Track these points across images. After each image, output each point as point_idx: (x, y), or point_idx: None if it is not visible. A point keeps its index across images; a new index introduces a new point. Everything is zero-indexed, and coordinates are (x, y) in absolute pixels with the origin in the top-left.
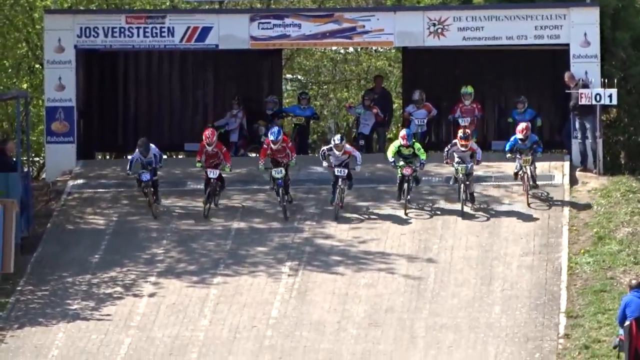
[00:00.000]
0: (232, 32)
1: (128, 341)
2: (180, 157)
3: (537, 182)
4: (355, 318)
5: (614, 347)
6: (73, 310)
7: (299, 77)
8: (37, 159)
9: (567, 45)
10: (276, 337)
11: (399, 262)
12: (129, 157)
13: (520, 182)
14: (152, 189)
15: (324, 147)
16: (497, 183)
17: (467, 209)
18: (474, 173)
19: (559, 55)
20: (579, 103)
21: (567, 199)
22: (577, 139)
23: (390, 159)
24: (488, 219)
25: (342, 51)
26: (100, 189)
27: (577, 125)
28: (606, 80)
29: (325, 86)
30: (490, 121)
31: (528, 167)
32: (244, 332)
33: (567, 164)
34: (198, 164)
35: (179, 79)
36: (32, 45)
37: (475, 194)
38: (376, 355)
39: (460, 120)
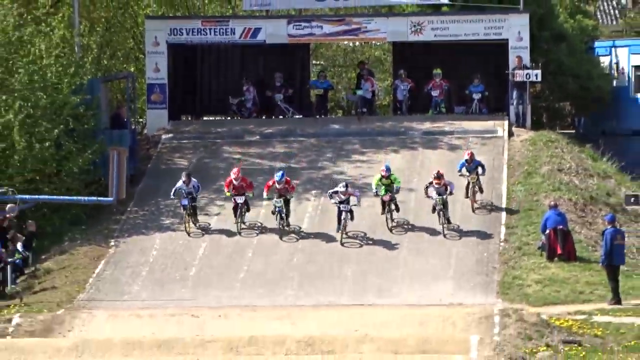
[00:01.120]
0: (275, 31)
1: (204, 245)
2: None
3: (482, 188)
4: (360, 228)
5: (538, 248)
6: (165, 224)
7: (321, 62)
8: (141, 120)
9: (507, 40)
10: (305, 242)
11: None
12: (177, 185)
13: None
14: (191, 211)
15: (330, 190)
16: (457, 136)
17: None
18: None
19: (500, 47)
20: (515, 80)
21: (506, 146)
22: (514, 105)
23: (374, 189)
24: (452, 158)
25: (350, 44)
26: (184, 140)
27: (514, 95)
28: (533, 64)
29: (340, 69)
30: (453, 92)
31: (475, 184)
32: (284, 238)
33: (506, 122)
34: (227, 194)
35: (239, 64)
36: (137, 41)
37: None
38: (374, 255)
39: (433, 93)
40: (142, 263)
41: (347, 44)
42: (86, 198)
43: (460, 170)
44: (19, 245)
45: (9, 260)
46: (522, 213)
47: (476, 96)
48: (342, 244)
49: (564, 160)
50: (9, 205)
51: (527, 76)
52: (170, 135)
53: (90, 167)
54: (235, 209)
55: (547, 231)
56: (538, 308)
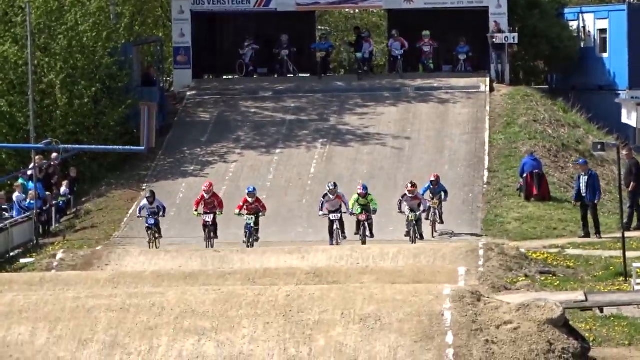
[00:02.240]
0: (285, 0)
1: (224, 188)
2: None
3: (442, 217)
4: (360, 172)
5: (517, 190)
6: (190, 171)
7: (326, 27)
8: (168, 78)
9: (487, 7)
10: (313, 185)
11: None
12: (141, 203)
13: None
14: (155, 230)
15: (321, 199)
16: (445, 91)
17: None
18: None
19: (482, 14)
20: (495, 42)
21: (487, 100)
22: (494, 64)
23: (350, 209)
24: (441, 111)
25: (351, 12)
26: (206, 96)
27: (493, 56)
28: (510, 28)
29: (342, 32)
30: (441, 53)
31: (437, 210)
32: (294, 182)
33: (487, 79)
34: (195, 213)
35: (254, 29)
36: (164, 10)
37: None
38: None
39: (424, 48)
40: (170, 204)
41: (348, 12)
42: (120, 147)
43: (423, 194)
44: (63, 189)
45: (54, 202)
46: (502, 159)
47: (462, 56)
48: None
49: (539, 112)
50: (53, 154)
51: (506, 39)
52: (194, 92)
53: (124, 120)
54: (204, 227)
55: (525, 175)
56: (517, 242)
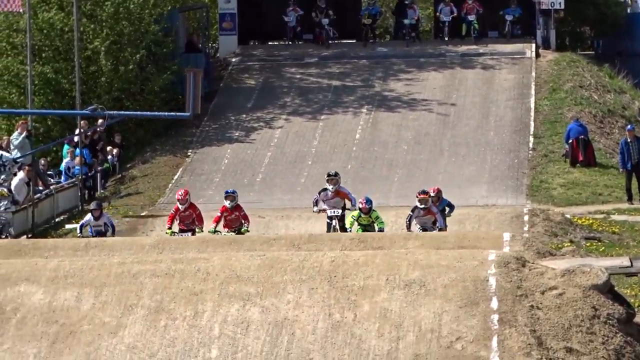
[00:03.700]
0: None
1: (269, 154)
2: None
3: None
4: (405, 138)
5: (562, 155)
6: (235, 137)
7: None
8: (214, 45)
9: None
10: (358, 151)
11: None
12: (84, 219)
13: None
14: None
15: (316, 195)
16: (491, 57)
17: None
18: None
19: None
20: (541, 7)
21: (533, 66)
22: (540, 29)
23: (348, 228)
24: (486, 77)
25: None
26: (251, 62)
27: (540, 21)
28: None
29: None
30: (487, 17)
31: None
32: (339, 148)
33: (533, 45)
34: (168, 232)
35: None
36: None
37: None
38: (419, 161)
39: (469, 17)
40: (215, 170)
41: None
42: (166, 113)
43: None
44: (108, 155)
45: (99, 168)
46: (547, 125)
47: (509, 17)
48: None
49: (585, 78)
50: (99, 121)
51: (552, 4)
52: (239, 58)
53: (169, 86)
54: None
55: (570, 140)
56: (562, 208)
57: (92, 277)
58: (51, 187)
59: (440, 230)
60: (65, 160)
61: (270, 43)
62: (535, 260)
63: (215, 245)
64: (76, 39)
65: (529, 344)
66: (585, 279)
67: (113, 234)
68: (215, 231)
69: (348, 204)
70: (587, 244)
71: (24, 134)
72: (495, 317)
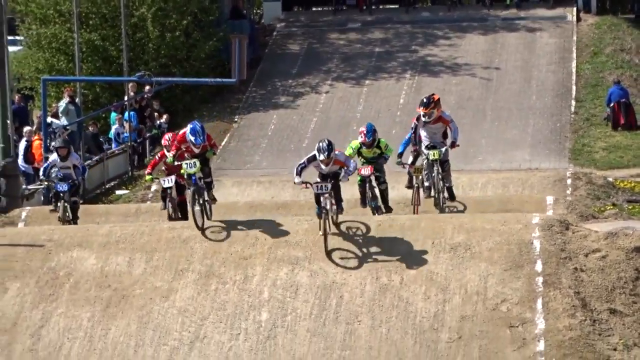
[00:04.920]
0: None
1: (315, 120)
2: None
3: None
4: (449, 102)
5: (604, 119)
6: (281, 102)
7: None
8: (259, 11)
9: None
10: (402, 116)
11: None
12: (50, 158)
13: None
14: (67, 205)
15: (303, 159)
16: (532, 21)
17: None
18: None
19: None
20: None
21: (574, 30)
22: None
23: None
24: (528, 41)
25: None
26: (294, 28)
27: None
28: None
29: None
30: None
31: (420, 177)
32: (383, 113)
33: (574, 9)
34: (148, 177)
35: None
36: None
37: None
38: (463, 125)
39: None
40: (262, 136)
41: None
42: (212, 80)
43: (401, 155)
44: (157, 122)
45: (148, 134)
46: (589, 88)
47: None
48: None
49: (625, 41)
50: (146, 87)
51: None
52: (284, 24)
53: (215, 53)
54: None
55: (612, 104)
56: (604, 172)
57: (143, 243)
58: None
59: (452, 143)
60: (114, 127)
61: (313, 9)
62: (578, 223)
63: (264, 210)
64: (122, 5)
65: (573, 306)
66: (628, 241)
67: (83, 177)
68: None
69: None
70: (630, 207)
71: (67, 99)
72: (540, 279)
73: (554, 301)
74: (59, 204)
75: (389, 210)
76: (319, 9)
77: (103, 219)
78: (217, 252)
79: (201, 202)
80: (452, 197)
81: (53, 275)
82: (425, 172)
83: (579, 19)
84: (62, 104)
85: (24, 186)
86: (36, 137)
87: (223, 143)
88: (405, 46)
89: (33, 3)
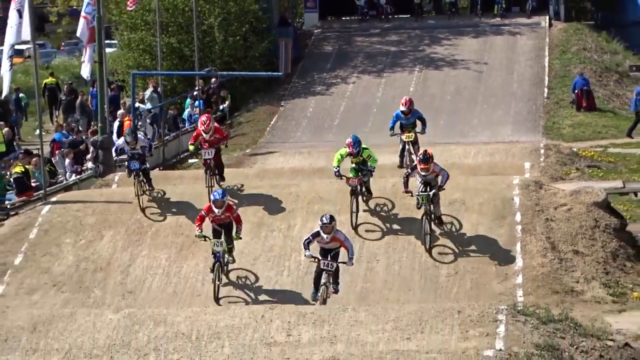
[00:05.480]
0: None
1: (343, 104)
2: None
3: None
4: (448, 90)
5: (570, 102)
6: (318, 90)
7: None
8: (300, 20)
9: None
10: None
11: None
12: (116, 142)
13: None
14: (142, 179)
15: (308, 235)
16: (514, 27)
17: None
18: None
19: None
20: None
21: (547, 33)
22: (552, 5)
23: (334, 168)
24: (510, 43)
25: None
26: (328, 33)
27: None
28: None
29: None
30: None
31: (411, 145)
32: (397, 98)
33: (547, 17)
34: (191, 147)
35: None
36: None
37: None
38: (459, 108)
39: None
40: (302, 117)
41: None
42: (263, 73)
43: (392, 129)
44: (220, 106)
45: (213, 116)
46: (558, 79)
47: None
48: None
49: (587, 42)
50: (212, 80)
51: None
52: (320, 30)
53: (267, 52)
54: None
55: (576, 91)
56: (570, 143)
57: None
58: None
59: (439, 187)
60: (187, 110)
61: (343, 18)
62: (549, 184)
63: (304, 174)
64: (194, 16)
65: (545, 248)
66: (588, 197)
67: (150, 152)
68: (202, 236)
69: (343, 255)
70: (590, 171)
71: (151, 89)
72: (519, 227)
73: (530, 244)
74: (132, 177)
75: (369, 193)
76: (348, 18)
77: (177, 181)
78: (267, 207)
79: (220, 278)
80: (440, 222)
81: (139, 225)
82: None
83: (550, 25)
84: (148, 92)
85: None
86: (126, 118)
87: (272, 122)
88: (415, 46)
89: (125, 14)
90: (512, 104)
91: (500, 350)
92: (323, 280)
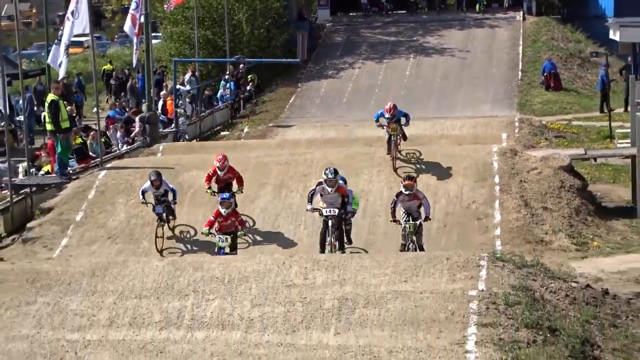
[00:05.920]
0: None
1: (351, 85)
2: None
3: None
4: (438, 74)
5: (540, 83)
6: (329, 74)
7: None
8: (314, 15)
9: None
10: (408, 83)
11: (456, 52)
12: (144, 186)
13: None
14: (163, 223)
15: (312, 189)
16: (493, 20)
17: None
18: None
19: None
20: None
21: (521, 26)
22: (526, 1)
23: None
24: (490, 34)
25: None
26: (338, 26)
27: None
28: None
29: None
30: None
31: (397, 135)
32: (395, 81)
33: (521, 12)
34: (208, 190)
35: None
36: None
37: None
38: (446, 89)
39: None
40: (316, 96)
41: None
42: (283, 60)
43: (377, 120)
44: (247, 87)
45: (242, 96)
46: (530, 63)
47: None
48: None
49: (555, 33)
50: (241, 65)
51: None
52: (331, 24)
53: (286, 43)
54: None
55: (545, 74)
56: (540, 117)
57: (238, 165)
58: (211, 108)
59: (426, 217)
60: (220, 91)
61: (351, 14)
62: (522, 151)
63: (317, 144)
64: (226, 12)
65: (519, 205)
66: (555, 162)
67: (174, 198)
68: (209, 233)
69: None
70: (556, 140)
71: (190, 73)
72: (497, 187)
73: (507, 202)
74: (158, 221)
75: (349, 242)
76: (354, 13)
77: (212, 150)
78: (286, 171)
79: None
80: (421, 249)
81: (180, 187)
82: (403, 235)
83: (524, 19)
84: (187, 76)
85: (160, 130)
86: (169, 98)
87: (291, 101)
88: (410, 37)
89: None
90: (491, 85)
91: (482, 290)
92: (329, 229)
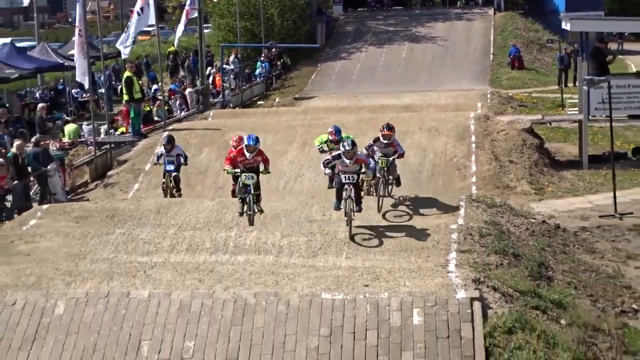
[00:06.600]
0: None
1: (359, 65)
2: None
3: (400, 180)
4: (427, 57)
5: (507, 64)
6: (342, 56)
7: None
8: (330, 10)
9: None
10: (404, 64)
11: (439, 40)
12: (158, 150)
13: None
14: (171, 183)
15: (328, 156)
16: (470, 14)
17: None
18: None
19: None
20: None
21: (492, 19)
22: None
23: (317, 145)
24: (468, 25)
25: None
26: (350, 18)
27: None
28: None
29: None
30: None
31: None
32: (393, 63)
33: (492, 8)
34: (230, 172)
35: None
36: None
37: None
38: (433, 68)
39: None
40: (332, 74)
41: None
42: (306, 45)
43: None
44: (279, 66)
45: (274, 73)
46: (499, 48)
47: None
48: (352, 239)
49: (518, 24)
50: (273, 49)
51: None
52: (343, 16)
53: (309, 31)
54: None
55: (511, 56)
56: (507, 90)
57: (272, 127)
58: (249, 83)
59: (399, 155)
60: (257, 70)
61: (359, 9)
62: (493, 117)
63: (333, 111)
64: (261, 7)
65: (490, 158)
66: (518, 125)
67: (186, 162)
68: (233, 171)
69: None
70: (520, 108)
71: (233, 56)
72: (473, 145)
73: (481, 156)
74: (164, 178)
75: (359, 206)
76: (362, 9)
77: (252, 115)
78: (309, 132)
79: (252, 209)
80: (398, 183)
81: (226, 144)
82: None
83: (495, 13)
84: (231, 58)
85: (211, 99)
86: (217, 75)
87: (312, 77)
88: (406, 27)
89: (216, 7)
90: (469, 65)
91: (461, 224)
92: (345, 195)
